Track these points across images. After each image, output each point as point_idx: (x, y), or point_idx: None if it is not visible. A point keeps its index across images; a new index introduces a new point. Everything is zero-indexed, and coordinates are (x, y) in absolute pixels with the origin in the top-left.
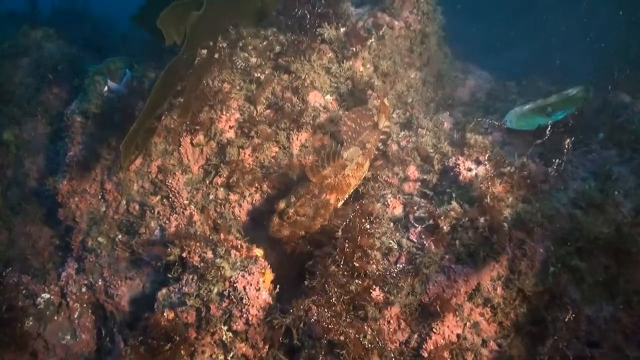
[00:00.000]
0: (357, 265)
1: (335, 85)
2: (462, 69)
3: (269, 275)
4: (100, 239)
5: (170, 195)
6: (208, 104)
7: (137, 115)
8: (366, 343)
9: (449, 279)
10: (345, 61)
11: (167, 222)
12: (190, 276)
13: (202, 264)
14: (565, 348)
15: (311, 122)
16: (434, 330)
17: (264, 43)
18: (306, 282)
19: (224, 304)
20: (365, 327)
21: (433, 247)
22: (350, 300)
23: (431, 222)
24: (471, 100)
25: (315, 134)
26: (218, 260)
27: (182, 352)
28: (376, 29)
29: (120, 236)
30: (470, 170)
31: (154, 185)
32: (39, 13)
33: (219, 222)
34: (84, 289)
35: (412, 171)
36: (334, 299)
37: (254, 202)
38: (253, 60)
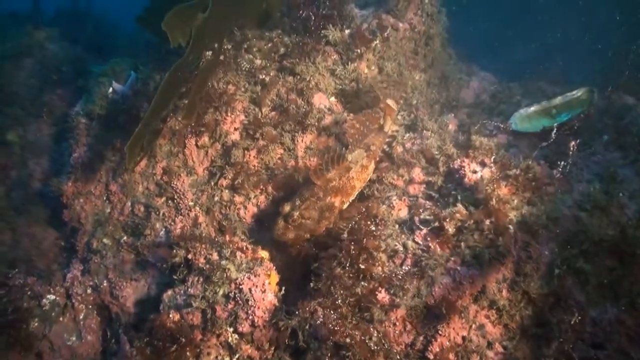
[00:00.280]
0: (362, 267)
1: (340, 87)
2: (466, 71)
3: (275, 277)
4: (105, 240)
5: (176, 197)
6: (213, 105)
7: (142, 117)
8: (372, 345)
9: (454, 281)
10: (349, 63)
11: (172, 223)
12: (196, 278)
13: (207, 266)
14: (570, 350)
15: (316, 124)
16: (440, 332)
17: (269, 45)
18: (312, 284)
19: (230, 306)
20: (371, 329)
21: (438, 249)
22: (356, 302)
23: (436, 224)
24: (475, 101)
25: (320, 136)
26: (224, 262)
27: (188, 353)
28: (381, 30)
29: (125, 238)
30: (475, 172)
31: (159, 187)
32: (42, 14)
33: (224, 223)
34: (89, 291)
35: (417, 173)
36: (339, 301)
37: (259, 204)
38: (258, 62)
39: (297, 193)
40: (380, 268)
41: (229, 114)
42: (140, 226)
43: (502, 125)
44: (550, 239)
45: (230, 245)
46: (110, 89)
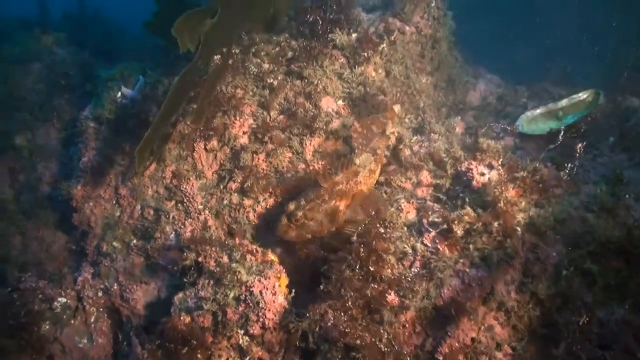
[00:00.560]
0: (372, 269)
1: (348, 90)
2: (473, 73)
3: (284, 280)
4: (115, 243)
5: (185, 200)
6: (222, 109)
7: (151, 121)
8: (382, 347)
9: (463, 283)
10: (357, 66)
11: (182, 227)
12: (207, 281)
13: (218, 269)
14: (578, 351)
15: (324, 127)
16: (449, 333)
17: (277, 49)
18: (322, 287)
19: (241, 308)
20: (382, 331)
21: (447, 251)
22: (365, 304)
23: (445, 226)
24: (482, 104)
25: (328, 139)
26: (234, 265)
27: (199, 355)
28: (388, 34)
29: (135, 241)
30: (483, 174)
31: (168, 191)
32: (50, 19)
33: (233, 227)
34: (100, 293)
35: (425, 176)
36: (349, 303)
37: (268, 207)
38: (266, 66)
39: (302, 193)
40: (389, 270)
41: (238, 118)
42: (150, 229)
43: (509, 128)
44: (557, 241)
45: (240, 248)
46: (119, 94)
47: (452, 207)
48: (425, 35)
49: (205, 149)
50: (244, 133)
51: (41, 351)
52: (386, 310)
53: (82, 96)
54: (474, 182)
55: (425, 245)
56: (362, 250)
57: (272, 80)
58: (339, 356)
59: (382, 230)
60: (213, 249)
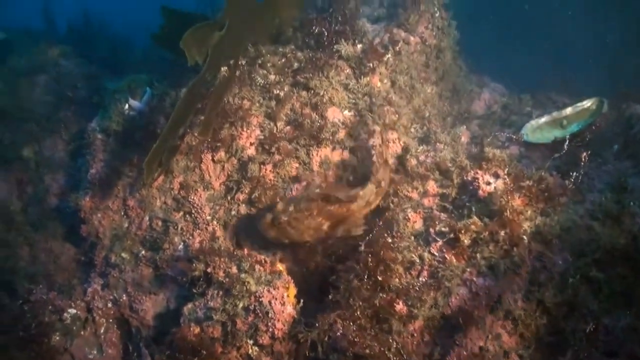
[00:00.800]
0: (380, 279)
1: (354, 101)
2: (477, 82)
3: (293, 290)
4: (123, 254)
5: (193, 211)
6: (229, 121)
7: (159, 133)
8: (391, 356)
9: (470, 292)
10: (362, 77)
11: (190, 237)
12: (216, 291)
13: (227, 279)
14: (585, 358)
15: (330, 137)
16: (457, 342)
17: (282, 60)
18: (330, 296)
19: (250, 318)
20: (390, 340)
21: (454, 260)
22: (374, 313)
23: (452, 236)
24: (487, 113)
25: (335, 150)
26: (243, 275)
27: None
28: (392, 44)
29: (143, 252)
30: (489, 184)
31: (176, 202)
32: (55, 30)
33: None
34: (109, 304)
35: (432, 185)
36: (358, 313)
37: None
38: (272, 77)
39: (296, 197)
40: (397, 280)
41: (245, 129)
42: (159, 240)
43: (514, 137)
44: (563, 249)
45: (249, 259)
46: (127, 106)
47: (458, 216)
48: (430, 45)
49: (213, 160)
50: (251, 144)
51: None
52: (395, 320)
53: (89, 108)
54: (480, 192)
55: (433, 254)
56: (370, 259)
57: (278, 92)
58: None
59: (390, 240)
60: (222, 259)
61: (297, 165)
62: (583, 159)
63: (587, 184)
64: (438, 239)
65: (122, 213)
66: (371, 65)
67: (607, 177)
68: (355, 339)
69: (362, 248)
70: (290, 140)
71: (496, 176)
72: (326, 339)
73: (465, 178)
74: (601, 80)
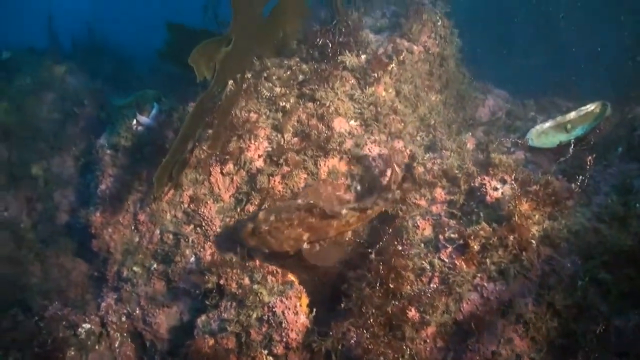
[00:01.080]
0: (392, 286)
1: (359, 111)
2: (481, 89)
3: (305, 299)
4: (135, 268)
5: (203, 224)
6: (236, 133)
7: (168, 148)
8: None
9: (482, 297)
10: (367, 87)
11: (202, 250)
12: (229, 303)
13: (240, 291)
14: (597, 359)
15: (338, 148)
16: (470, 347)
17: (288, 72)
18: (342, 305)
19: (264, 329)
20: (404, 347)
21: (464, 266)
22: (387, 321)
23: (461, 242)
24: (491, 119)
25: (342, 160)
26: (256, 287)
27: None
28: (396, 54)
29: (155, 265)
30: (496, 189)
31: (186, 215)
32: (60, 48)
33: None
34: (123, 318)
35: (439, 192)
36: (371, 320)
37: None
38: (277, 89)
39: (278, 207)
40: (409, 287)
41: (253, 142)
42: (170, 253)
43: (519, 142)
44: (571, 252)
45: (261, 270)
46: (134, 121)
47: (467, 222)
48: (433, 53)
49: (222, 172)
50: (259, 156)
51: None
52: (407, 326)
53: (96, 124)
54: (488, 197)
55: (443, 261)
56: (381, 267)
57: (284, 104)
58: None
59: (400, 247)
60: (234, 271)
61: (305, 176)
62: (588, 162)
63: (593, 187)
64: (448, 246)
65: (133, 227)
66: (376, 75)
67: (612, 179)
68: (369, 347)
69: (373, 256)
70: (297, 152)
71: (503, 181)
72: (340, 347)
73: (472, 184)
74: (603, 83)
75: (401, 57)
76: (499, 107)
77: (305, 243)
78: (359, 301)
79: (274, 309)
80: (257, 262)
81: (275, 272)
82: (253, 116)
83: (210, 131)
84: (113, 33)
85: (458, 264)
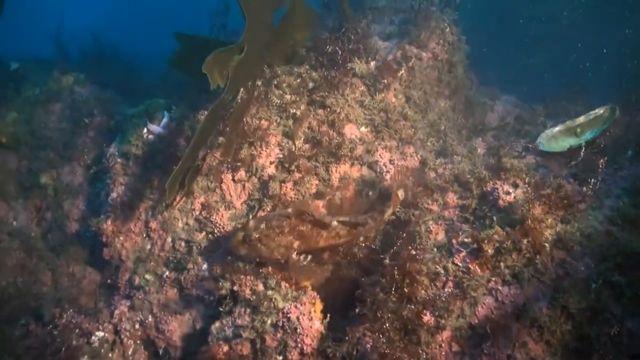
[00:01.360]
0: (406, 291)
1: (370, 117)
2: (489, 95)
3: (319, 305)
4: (147, 276)
5: (216, 231)
6: (248, 141)
7: (180, 156)
8: None
9: (496, 301)
10: (377, 93)
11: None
12: (243, 309)
13: (254, 297)
14: None
15: (349, 154)
16: (485, 351)
17: (298, 80)
18: (357, 310)
19: (279, 335)
20: (420, 351)
21: (478, 270)
22: (402, 325)
23: (475, 246)
24: (501, 124)
25: (354, 166)
26: (270, 292)
27: None
28: (405, 60)
29: (167, 273)
30: (508, 193)
31: (198, 222)
32: (68, 57)
33: None
34: (137, 326)
35: (451, 197)
36: (386, 325)
37: None
38: (288, 97)
39: (270, 214)
40: (423, 291)
41: (264, 149)
42: (183, 261)
43: (530, 146)
44: (585, 255)
45: (275, 276)
46: (145, 130)
47: (479, 226)
48: (442, 60)
49: (233, 179)
50: (271, 163)
51: None
52: (423, 331)
53: (105, 134)
54: (500, 201)
55: (457, 265)
56: (395, 272)
57: (295, 110)
58: None
59: (414, 252)
60: (248, 277)
61: (317, 182)
62: (600, 166)
63: (604, 190)
64: (461, 250)
65: (145, 235)
66: (385, 81)
67: (623, 182)
68: (385, 351)
69: (387, 261)
70: (309, 158)
71: (515, 186)
72: (355, 352)
73: (484, 189)
74: (608, 83)
75: (410, 64)
76: (507, 112)
77: (295, 253)
78: (373, 306)
79: (288, 315)
80: (270, 269)
81: (289, 277)
82: (264, 123)
83: (221, 139)
84: (122, 43)
85: (472, 268)
